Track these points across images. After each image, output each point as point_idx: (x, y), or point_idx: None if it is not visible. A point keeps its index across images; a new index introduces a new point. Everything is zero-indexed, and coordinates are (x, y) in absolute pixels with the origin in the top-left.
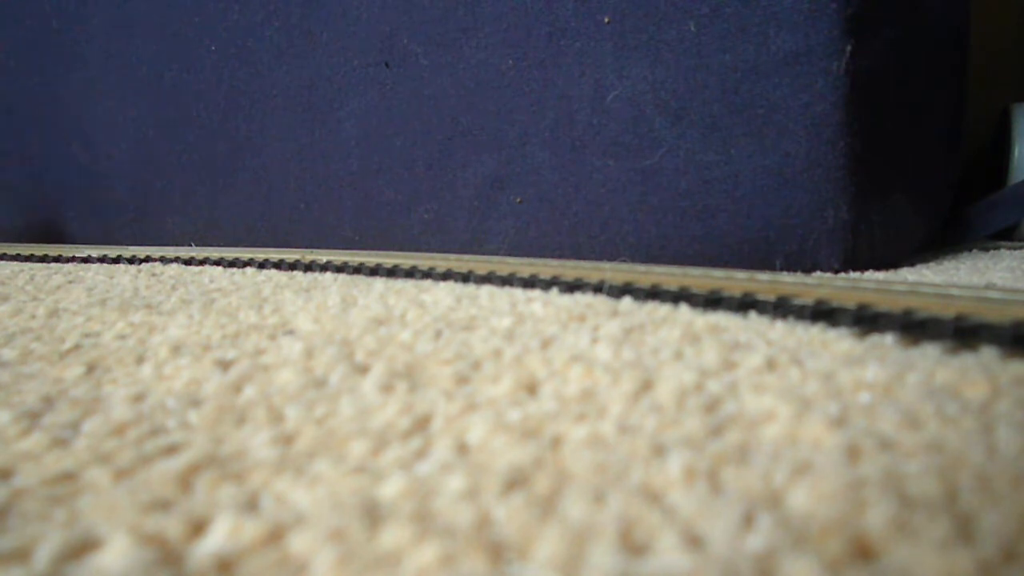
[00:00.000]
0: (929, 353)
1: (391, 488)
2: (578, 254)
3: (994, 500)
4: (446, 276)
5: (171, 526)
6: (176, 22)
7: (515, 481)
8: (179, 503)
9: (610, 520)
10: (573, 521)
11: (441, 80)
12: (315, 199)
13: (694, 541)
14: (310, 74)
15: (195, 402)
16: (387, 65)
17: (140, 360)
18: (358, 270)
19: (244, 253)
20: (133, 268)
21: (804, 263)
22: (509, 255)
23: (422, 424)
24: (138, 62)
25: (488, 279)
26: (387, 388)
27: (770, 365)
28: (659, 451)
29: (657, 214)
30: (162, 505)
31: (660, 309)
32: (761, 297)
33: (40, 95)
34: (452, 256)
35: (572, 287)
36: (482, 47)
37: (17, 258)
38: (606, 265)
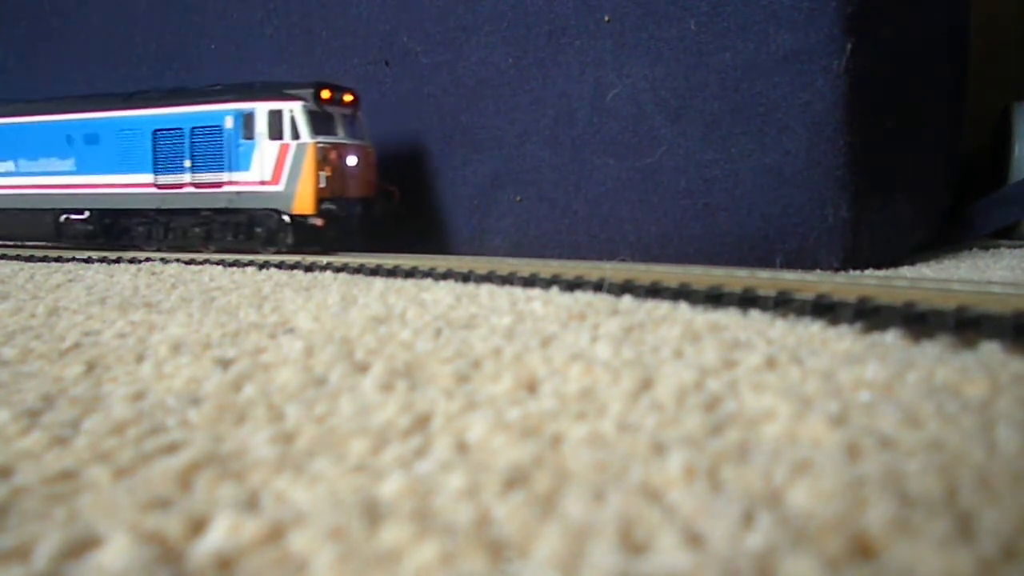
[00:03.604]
0: (929, 351)
1: (391, 486)
2: (578, 253)
3: (994, 498)
4: (446, 276)
5: (171, 524)
6: (176, 20)
7: (515, 480)
8: (179, 501)
9: (610, 519)
10: (573, 519)
11: (441, 78)
12: None
13: (694, 539)
14: (310, 72)
15: (195, 400)
16: (387, 64)
17: (140, 358)
18: (358, 270)
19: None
20: (133, 267)
21: (804, 261)
22: (509, 254)
23: (422, 423)
24: (139, 59)
25: (488, 278)
26: (387, 387)
27: (770, 363)
28: (659, 449)
29: (657, 212)
30: (162, 503)
31: (660, 307)
32: (762, 293)
33: None
34: (452, 256)
35: (572, 286)
36: (482, 45)
37: (17, 258)
38: (606, 264)
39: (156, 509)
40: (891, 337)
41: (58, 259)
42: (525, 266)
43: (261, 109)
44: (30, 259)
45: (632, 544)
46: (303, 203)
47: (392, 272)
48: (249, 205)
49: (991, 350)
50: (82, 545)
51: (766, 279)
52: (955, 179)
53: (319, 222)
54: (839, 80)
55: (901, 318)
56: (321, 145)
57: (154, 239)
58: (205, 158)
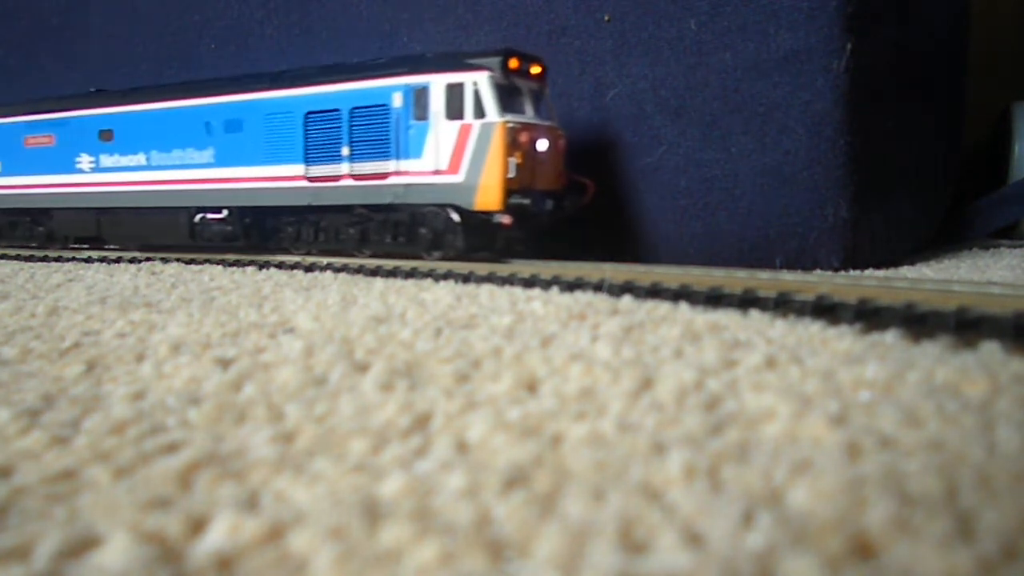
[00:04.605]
0: (929, 351)
1: (391, 486)
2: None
3: (994, 498)
4: (447, 276)
5: (171, 524)
6: (176, 19)
7: (515, 479)
8: (179, 501)
9: (610, 518)
10: (573, 519)
11: None
12: None
13: (694, 539)
14: None
15: (195, 400)
16: None
17: (140, 358)
18: (358, 271)
19: (245, 254)
20: (133, 267)
21: (804, 261)
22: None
23: (422, 422)
24: (139, 59)
25: (488, 279)
26: (387, 386)
27: (770, 363)
28: (659, 449)
29: (656, 212)
30: (162, 503)
31: (660, 307)
32: (762, 294)
33: None
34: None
35: (572, 286)
36: (482, 45)
37: (18, 258)
38: (606, 265)
39: (156, 509)
40: (891, 337)
41: (58, 259)
42: (525, 267)
43: (437, 83)
44: (30, 259)
45: (632, 544)
46: (487, 196)
47: (392, 272)
48: (420, 200)
49: (991, 350)
50: (82, 545)
51: (766, 280)
52: (955, 179)
53: (505, 220)
54: (839, 80)
55: (901, 319)
56: (511, 125)
57: (302, 241)
58: (367, 144)
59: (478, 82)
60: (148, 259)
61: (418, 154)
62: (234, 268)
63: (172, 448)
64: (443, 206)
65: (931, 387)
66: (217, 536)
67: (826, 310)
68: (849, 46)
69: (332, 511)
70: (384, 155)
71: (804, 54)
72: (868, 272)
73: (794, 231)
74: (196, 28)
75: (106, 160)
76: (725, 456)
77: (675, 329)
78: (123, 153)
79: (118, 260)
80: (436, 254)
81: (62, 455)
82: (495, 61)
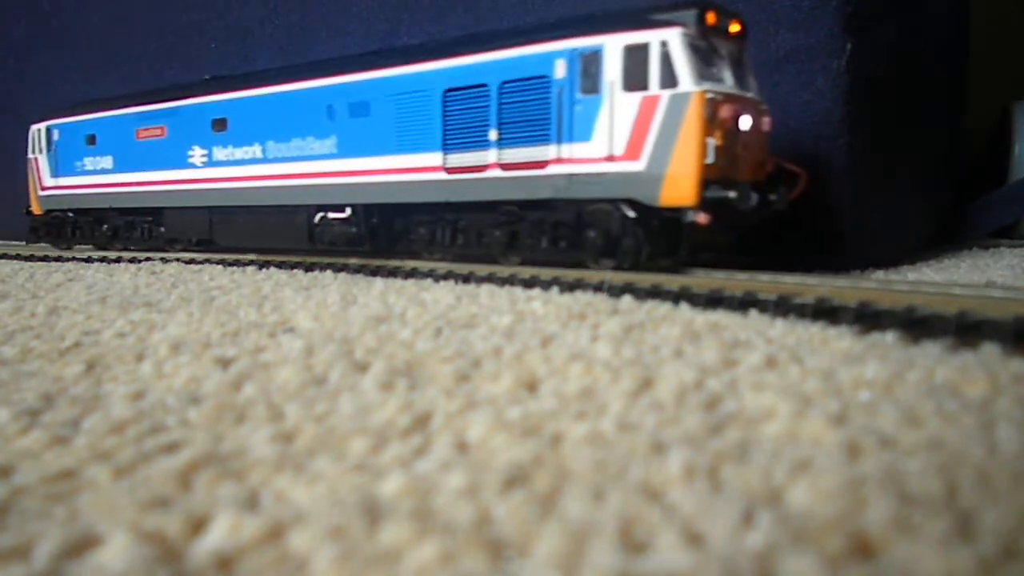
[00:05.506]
0: (929, 351)
1: (391, 486)
2: None
3: (994, 498)
4: (447, 276)
5: (171, 524)
6: (176, 19)
7: (515, 479)
8: (179, 501)
9: (610, 518)
10: (573, 519)
11: None
12: None
13: (694, 539)
14: None
15: (195, 400)
16: None
17: (140, 358)
18: (359, 271)
19: (245, 254)
20: (133, 266)
21: (804, 261)
22: None
23: (422, 422)
24: (139, 59)
25: (488, 279)
26: (387, 386)
27: (770, 363)
28: (659, 449)
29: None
30: (162, 503)
31: (660, 307)
32: (762, 297)
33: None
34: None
35: (572, 286)
36: None
37: (18, 257)
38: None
39: (156, 508)
40: (891, 337)
41: (58, 259)
42: (526, 267)
43: (612, 45)
44: (30, 259)
45: (632, 543)
46: (677, 189)
47: (393, 272)
48: (588, 194)
49: (991, 350)
50: (82, 544)
51: (766, 282)
52: (955, 178)
53: (701, 218)
54: (840, 79)
55: (901, 323)
56: (710, 96)
57: (437, 244)
58: (521, 126)
59: (668, 41)
60: (148, 259)
61: (586, 136)
62: (234, 268)
63: (172, 448)
64: (617, 201)
65: (931, 387)
66: (217, 536)
67: (826, 313)
68: (849, 46)
69: (332, 511)
70: (542, 139)
71: (805, 53)
72: (868, 272)
73: (794, 231)
74: (196, 27)
75: (219, 153)
76: (725, 456)
77: (675, 329)
78: (237, 145)
79: (118, 260)
80: (607, 263)
81: (62, 455)
82: (689, 15)
